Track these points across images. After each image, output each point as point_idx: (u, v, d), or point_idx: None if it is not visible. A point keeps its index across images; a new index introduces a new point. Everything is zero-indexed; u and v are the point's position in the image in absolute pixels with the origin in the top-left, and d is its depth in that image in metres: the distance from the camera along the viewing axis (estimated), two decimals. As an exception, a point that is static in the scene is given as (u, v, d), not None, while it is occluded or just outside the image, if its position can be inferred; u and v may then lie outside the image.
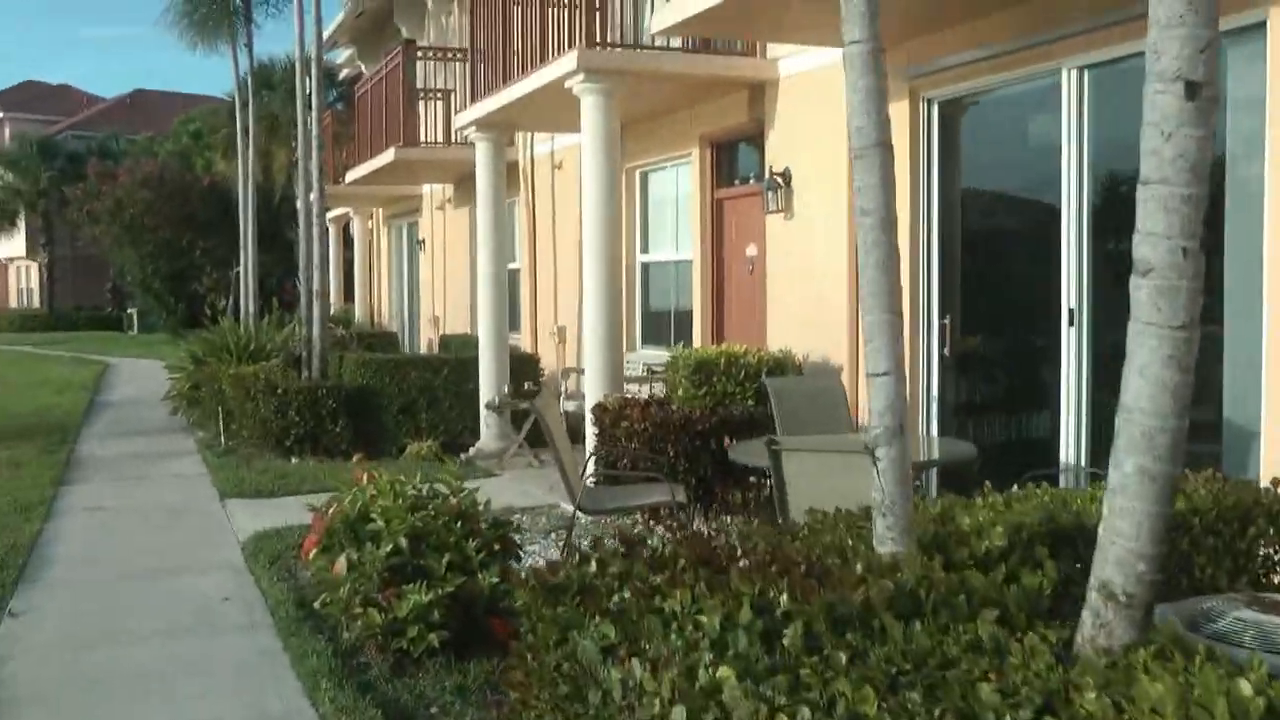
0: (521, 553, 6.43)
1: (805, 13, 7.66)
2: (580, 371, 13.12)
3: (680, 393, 8.86)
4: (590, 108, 9.48)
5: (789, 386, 7.97)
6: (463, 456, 12.31)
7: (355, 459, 11.90)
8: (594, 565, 3.29)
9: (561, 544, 7.52)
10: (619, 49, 9.63)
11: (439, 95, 16.78)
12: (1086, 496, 4.20)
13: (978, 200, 8.55)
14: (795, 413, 7.85)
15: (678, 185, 12.21)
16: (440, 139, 16.02)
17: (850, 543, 3.55)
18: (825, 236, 9.25)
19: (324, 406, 12.11)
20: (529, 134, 15.04)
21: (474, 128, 12.33)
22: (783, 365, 8.82)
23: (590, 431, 9.30)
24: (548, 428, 6.93)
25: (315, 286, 12.80)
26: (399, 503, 5.98)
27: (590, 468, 8.35)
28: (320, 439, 12.12)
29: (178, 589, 7.25)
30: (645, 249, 12.96)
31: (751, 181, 10.78)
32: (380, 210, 22.80)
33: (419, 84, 16.68)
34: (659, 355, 12.06)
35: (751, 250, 10.76)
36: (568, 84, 9.58)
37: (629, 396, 9.43)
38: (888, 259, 3.56)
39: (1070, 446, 7.20)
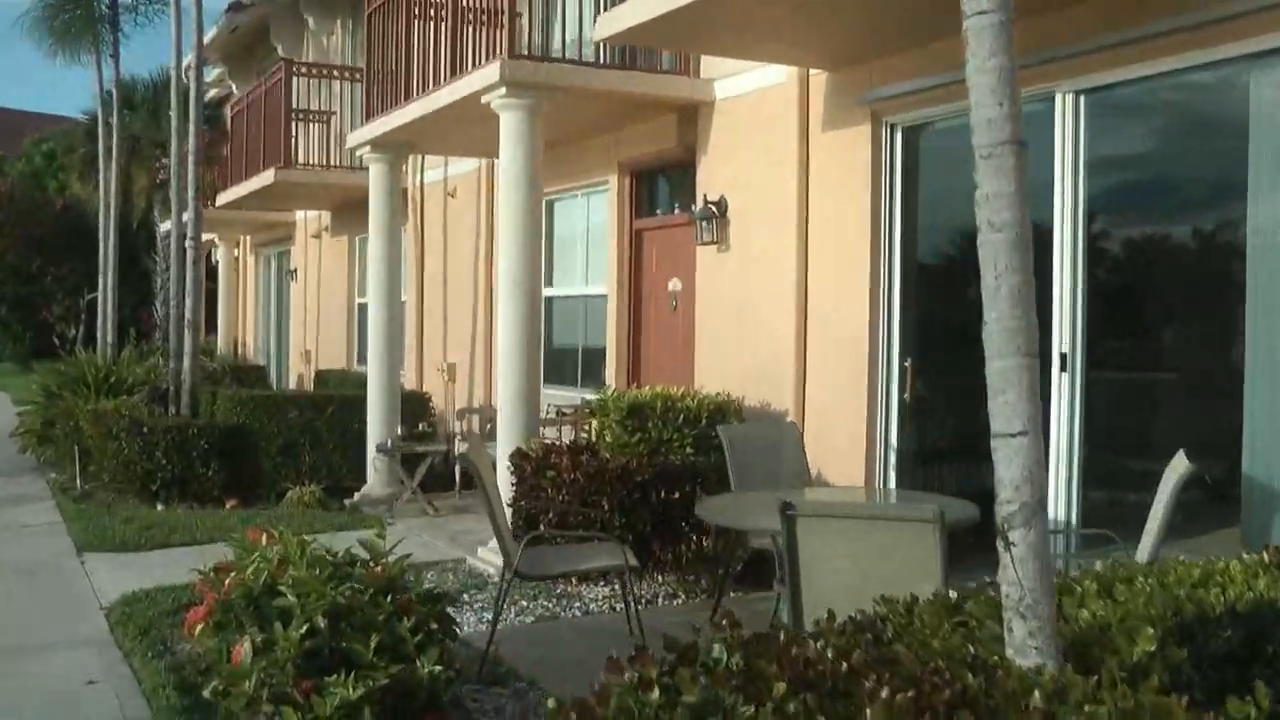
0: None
1: (765, 21, 6.95)
2: (475, 412, 12.15)
3: (609, 438, 7.99)
4: (512, 125, 8.60)
5: (744, 434, 7.18)
6: (347, 502, 11.24)
7: (229, 505, 10.77)
8: (657, 692, 2.40)
9: (490, 616, 6.55)
10: (546, 62, 8.78)
11: (319, 117, 15.69)
12: (1214, 571, 3.46)
13: (947, 234, 7.92)
14: (751, 464, 7.05)
15: (588, 215, 11.39)
16: (318, 163, 14.93)
17: (973, 649, 2.73)
18: (768, 271, 8.52)
19: (195, 447, 10.89)
20: (419, 160, 14.09)
21: (369, 148, 11.33)
22: (724, 410, 8.03)
23: (508, 481, 8.37)
24: (482, 481, 5.99)
25: (187, 315, 11.58)
26: (316, 572, 4.97)
27: (507, 522, 7.42)
28: (190, 483, 10.90)
29: (27, 672, 6.06)
30: (550, 282, 12.07)
31: (676, 211, 10.02)
32: (248, 238, 21.43)
33: (295, 106, 15.56)
34: (566, 396, 11.19)
35: (675, 284, 9.98)
36: (486, 99, 8.68)
37: (550, 442, 8.51)
38: (1024, 287, 2.79)
39: (1061, 505, 6.55)
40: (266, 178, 14.38)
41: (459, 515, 10.72)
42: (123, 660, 6.14)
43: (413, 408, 11.83)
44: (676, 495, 7.40)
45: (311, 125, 15.48)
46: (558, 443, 8.44)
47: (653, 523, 7.36)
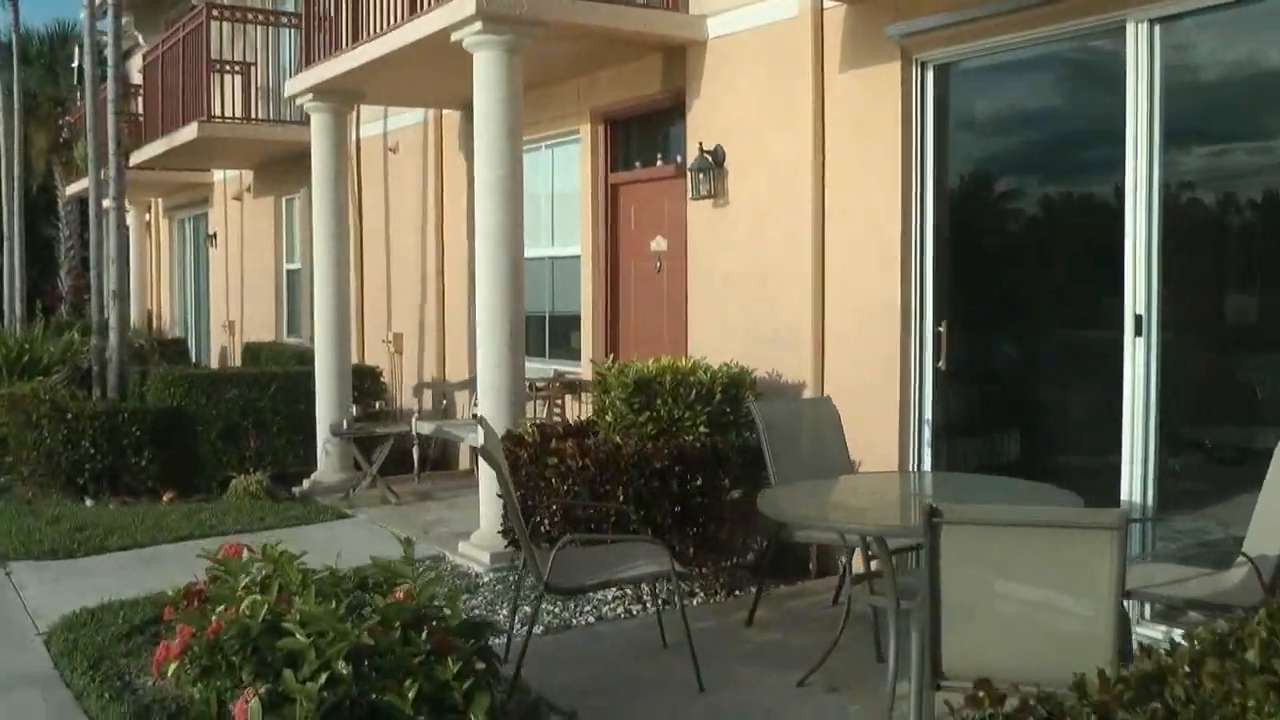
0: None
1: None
2: (429, 386, 11.21)
3: (611, 418, 7.13)
4: (489, 66, 7.63)
5: (782, 414, 6.35)
6: (296, 490, 10.25)
7: (166, 498, 9.73)
8: None
9: (505, 629, 5.68)
10: (525, -7, 7.80)
11: (238, 69, 14.46)
12: None
13: (986, 185, 7.14)
14: (790, 448, 6.25)
15: (553, 169, 10.45)
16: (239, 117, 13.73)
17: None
18: (776, 227, 7.69)
19: (126, 435, 9.80)
20: (355, 113, 12.96)
21: (310, 96, 10.24)
22: (738, 384, 7.20)
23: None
24: (505, 477, 5.10)
25: (112, 285, 10.42)
26: (333, 607, 4.05)
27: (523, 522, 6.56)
28: (122, 475, 9.81)
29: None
30: (510, 244, 11.11)
31: (660, 163, 9.13)
32: (160, 201, 20.02)
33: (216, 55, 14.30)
34: (536, 368, 10.28)
35: (659, 244, 9.12)
36: (457, 36, 7.69)
37: (544, 424, 7.62)
38: None
39: (1136, 487, 5.84)
40: (188, 133, 13.16)
41: (423, 502, 9.79)
42: (74, 703, 5.17)
43: (363, 384, 10.83)
44: (699, 482, 6.57)
45: (230, 77, 14.24)
46: (547, 423, 7.53)
47: (673, 515, 6.53)
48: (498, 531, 7.49)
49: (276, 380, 10.66)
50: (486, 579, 7.32)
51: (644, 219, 9.29)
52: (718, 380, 7.09)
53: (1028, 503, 4.75)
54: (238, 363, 16.22)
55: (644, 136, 9.48)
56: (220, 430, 10.34)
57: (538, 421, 7.67)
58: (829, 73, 7.39)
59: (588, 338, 9.71)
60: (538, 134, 10.01)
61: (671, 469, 6.52)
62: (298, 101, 10.55)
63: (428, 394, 11.65)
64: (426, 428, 10.43)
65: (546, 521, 6.72)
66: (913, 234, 7.02)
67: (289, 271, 15.73)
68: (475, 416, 7.50)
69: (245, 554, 4.96)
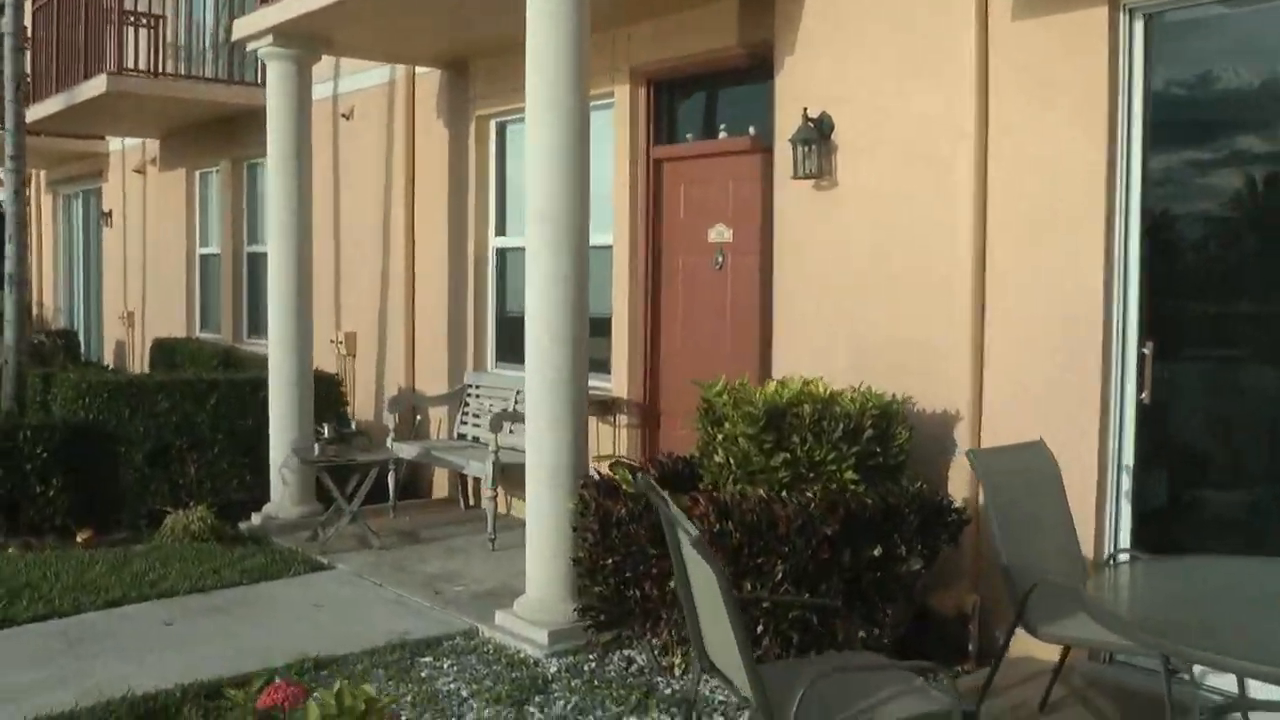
0: None
1: None
2: (402, 400, 9.30)
3: (723, 458, 5.39)
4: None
5: (1005, 467, 4.66)
6: (244, 526, 8.27)
7: (82, 539, 7.71)
8: None
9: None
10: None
11: (147, 20, 12.25)
12: None
13: (1212, 167, 5.56)
14: (1017, 512, 4.59)
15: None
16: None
17: None
18: (911, 218, 6.05)
19: (28, 457, 7.72)
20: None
21: (269, 39, 8.25)
22: (889, 416, 5.53)
23: (556, 524, 5.72)
24: (726, 586, 3.31)
25: (8, 269, 8.26)
26: None
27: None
28: (23, 508, 7.76)
29: None
30: (502, 229, 9.29)
31: (723, 135, 7.42)
32: (41, 173, 17.49)
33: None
34: (524, 378, 8.46)
35: (721, 233, 7.40)
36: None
37: (633, 464, 5.84)
38: None
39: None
40: (93, 87, 10.94)
41: (412, 545, 7.89)
42: None
43: (322, 394, 8.85)
44: (878, 553, 4.88)
45: (137, 30, 12.04)
46: (638, 465, 5.72)
47: (845, 595, 4.83)
48: (571, 609, 5.71)
49: (217, 389, 8.63)
50: (553, 668, 5.49)
51: (699, 203, 7.56)
52: (867, 411, 5.40)
53: None
54: (140, 362, 13.99)
55: (701, 102, 7.74)
56: (148, 452, 8.29)
57: (626, 461, 5.86)
58: (996, 20, 5.76)
59: (621, 349, 7.93)
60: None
61: (843, 534, 4.82)
62: (250, 46, 8.53)
63: (409, 408, 9.73)
64: (409, 452, 8.53)
65: (638, 602, 4.97)
66: (1114, 229, 5.44)
67: (203, 256, 13.54)
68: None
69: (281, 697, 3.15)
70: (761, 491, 4.97)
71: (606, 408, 7.86)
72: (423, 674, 5.43)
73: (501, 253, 9.27)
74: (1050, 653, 5.13)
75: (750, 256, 7.19)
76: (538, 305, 5.93)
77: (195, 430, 8.46)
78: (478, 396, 9.02)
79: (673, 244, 7.74)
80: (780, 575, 4.71)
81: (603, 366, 8.04)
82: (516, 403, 8.54)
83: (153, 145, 14.13)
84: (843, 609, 4.67)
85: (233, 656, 5.56)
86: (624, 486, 5.30)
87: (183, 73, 12.29)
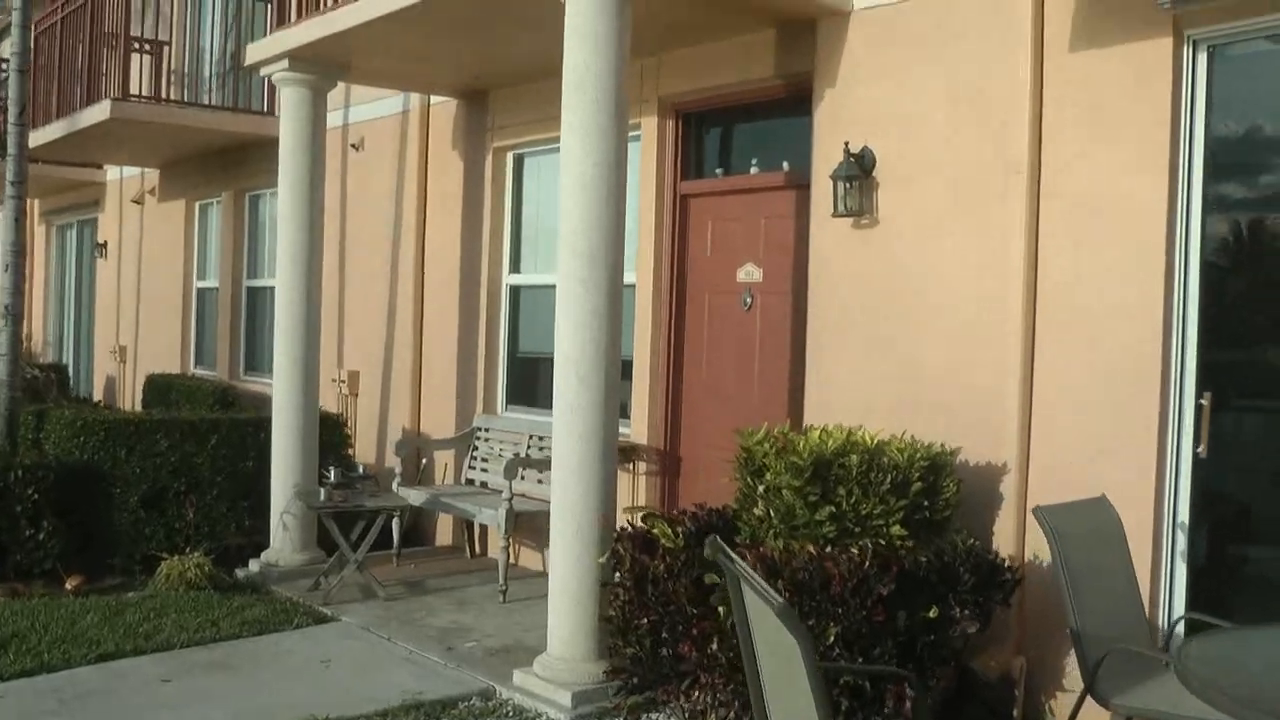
0: None
1: None
2: (409, 443, 8.96)
3: (766, 510, 5.05)
4: (594, 9, 5.52)
5: (1072, 524, 4.33)
6: (241, 574, 7.91)
7: (70, 585, 7.34)
8: None
9: None
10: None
11: (149, 46, 12.00)
12: None
13: (1276, 208, 5.29)
14: (1084, 572, 4.27)
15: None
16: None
17: None
18: (957, 257, 5.77)
19: (19, 499, 7.34)
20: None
21: (285, 64, 7.96)
22: (938, 467, 5.21)
23: (579, 578, 5.38)
24: (746, 618, 2.99)
25: (4, 300, 7.93)
26: None
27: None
28: (11, 552, 7.35)
29: None
30: (517, 266, 8.98)
31: (754, 170, 7.14)
32: (36, 202, 17.17)
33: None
34: (538, 422, 8.18)
35: (750, 273, 7.11)
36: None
37: (665, 515, 5.49)
38: None
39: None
40: (97, 113, 10.63)
41: (419, 597, 7.52)
42: None
43: (326, 437, 8.48)
44: (933, 614, 4.55)
45: (141, 56, 11.78)
46: (673, 518, 5.37)
47: (898, 660, 4.48)
48: (596, 669, 5.35)
49: (219, 429, 8.27)
50: (581, 735, 5.13)
51: (727, 241, 7.27)
52: (915, 462, 5.08)
53: None
54: (132, 398, 13.63)
55: (732, 136, 7.47)
56: (144, 494, 7.91)
57: (658, 513, 5.51)
58: (1053, 51, 5.50)
59: (641, 392, 7.61)
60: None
61: (898, 594, 4.48)
62: (264, 71, 8.24)
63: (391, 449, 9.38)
64: (418, 498, 8.17)
65: (690, 667, 4.62)
66: (1174, 270, 5.16)
67: (201, 290, 13.21)
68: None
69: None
70: (811, 548, 4.63)
71: (624, 454, 7.50)
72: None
73: (515, 290, 8.96)
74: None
75: (781, 297, 6.89)
76: (568, 345, 5.62)
77: (194, 472, 8.10)
78: (487, 440, 8.68)
79: (698, 283, 7.44)
80: (832, 639, 4.37)
81: (621, 410, 7.69)
82: (529, 448, 8.21)
83: (152, 175, 13.83)
84: (912, 677, 4.31)
85: (236, 718, 5.19)
86: (663, 541, 4.95)
87: (186, 100, 12.02)
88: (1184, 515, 5.18)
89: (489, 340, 8.92)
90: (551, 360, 8.60)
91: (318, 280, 8.17)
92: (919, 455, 5.12)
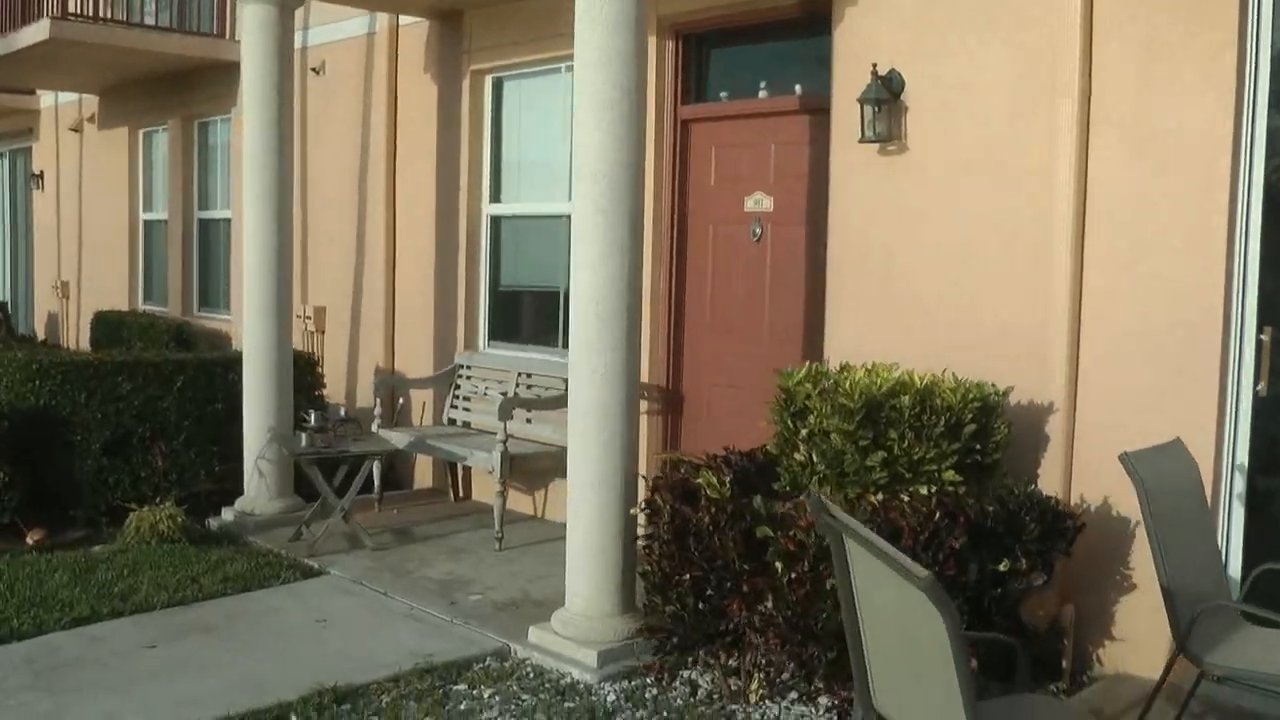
0: None
1: None
2: (386, 382, 8.51)
3: (808, 454, 4.71)
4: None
5: (1158, 471, 4.02)
6: (213, 523, 7.46)
7: (32, 539, 6.84)
8: None
9: None
10: None
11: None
12: None
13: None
14: (1169, 523, 3.97)
15: (570, 98, 7.88)
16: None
17: None
18: (993, 185, 5.42)
19: (-26, 448, 6.81)
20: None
21: (249, -21, 7.38)
22: (988, 408, 4.90)
23: (613, 533, 5.01)
24: (851, 583, 2.65)
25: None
26: None
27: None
28: (-32, 506, 6.83)
29: None
30: (497, 195, 8.50)
31: (764, 94, 6.71)
32: (-38, 130, 16.28)
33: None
34: (542, 362, 7.76)
35: (759, 202, 6.71)
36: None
37: (701, 461, 5.11)
38: None
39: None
40: (34, 33, 9.88)
41: (409, 545, 7.12)
42: None
43: (298, 377, 8.00)
44: (1004, 568, 4.24)
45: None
46: (709, 463, 5.00)
47: (969, 616, 4.18)
48: (624, 626, 5.01)
49: (184, 371, 7.75)
50: (610, 696, 4.78)
51: (733, 168, 6.86)
52: (969, 404, 4.76)
53: None
54: (77, 335, 12.99)
55: (738, 58, 7.01)
56: (107, 441, 7.40)
57: (689, 457, 5.13)
58: (1106, -36, 5.13)
59: (645, 329, 7.19)
60: (564, 49, 7.41)
61: (969, 547, 4.17)
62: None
63: (368, 389, 8.92)
64: (402, 441, 7.74)
65: (739, 627, 4.28)
66: (1237, 200, 4.85)
67: (148, 223, 12.54)
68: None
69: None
70: (872, 498, 4.29)
71: (626, 393, 7.14)
72: (461, 706, 4.70)
73: (496, 220, 8.48)
74: (1149, 669, 4.62)
75: (794, 227, 6.51)
76: (587, 280, 5.18)
77: (160, 416, 7.59)
78: (469, 379, 8.25)
79: (701, 213, 7.03)
80: (902, 597, 4.05)
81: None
82: (517, 386, 7.80)
83: (91, 101, 13.07)
84: (1018, 645, 4.00)
85: (234, 689, 4.78)
86: (707, 490, 4.58)
87: (128, 19, 11.30)
88: (1242, 457, 4.93)
89: (469, 273, 8.45)
90: (537, 294, 8.26)
91: (289, 209, 7.63)
92: (972, 396, 4.79)
